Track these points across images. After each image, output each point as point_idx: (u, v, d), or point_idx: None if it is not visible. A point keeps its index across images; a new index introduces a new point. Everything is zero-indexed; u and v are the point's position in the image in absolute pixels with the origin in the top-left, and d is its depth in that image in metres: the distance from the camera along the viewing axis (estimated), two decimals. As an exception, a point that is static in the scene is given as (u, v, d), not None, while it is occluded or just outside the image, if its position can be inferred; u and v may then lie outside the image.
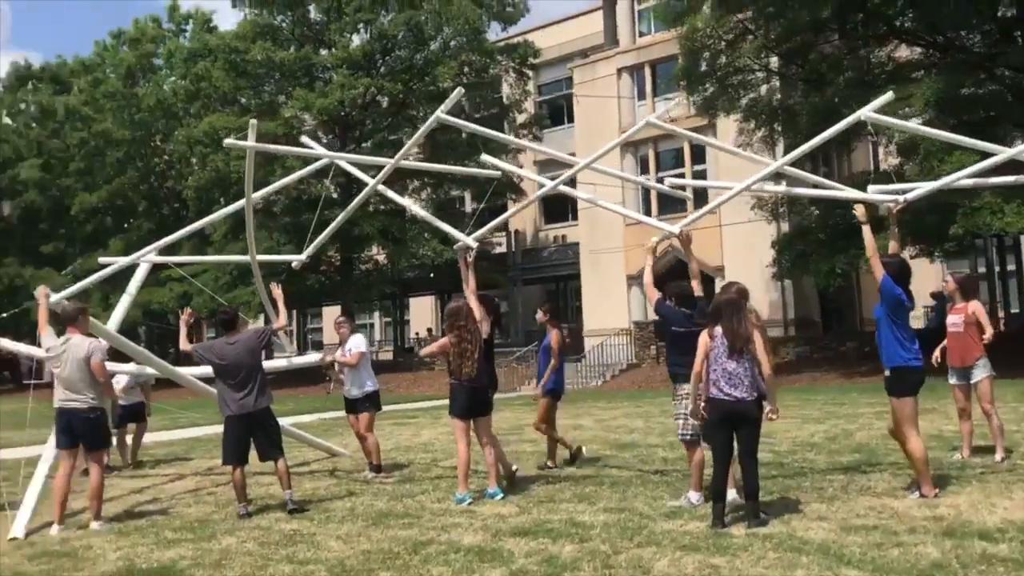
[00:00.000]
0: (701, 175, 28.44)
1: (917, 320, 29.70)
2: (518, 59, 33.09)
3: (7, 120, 43.72)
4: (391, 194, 11.76)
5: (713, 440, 6.71)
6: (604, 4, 32.38)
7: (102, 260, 11.06)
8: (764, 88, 23.61)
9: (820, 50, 22.15)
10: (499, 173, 11.10)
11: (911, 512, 6.56)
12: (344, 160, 11.07)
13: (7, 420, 19.81)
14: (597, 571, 5.44)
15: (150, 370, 10.80)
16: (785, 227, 25.16)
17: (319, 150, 11.29)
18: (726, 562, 5.47)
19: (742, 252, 26.69)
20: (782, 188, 11.56)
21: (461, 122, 10.99)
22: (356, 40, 32.75)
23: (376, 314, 43.41)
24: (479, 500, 7.90)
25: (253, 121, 9.60)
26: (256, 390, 8.13)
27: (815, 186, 10.18)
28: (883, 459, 9.08)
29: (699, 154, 28.75)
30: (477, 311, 8.39)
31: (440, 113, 9.36)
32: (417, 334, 39.25)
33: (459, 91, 9.25)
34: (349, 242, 31.95)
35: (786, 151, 24.08)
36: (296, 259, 11.72)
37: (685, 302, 7.64)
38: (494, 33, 33.43)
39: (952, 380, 8.88)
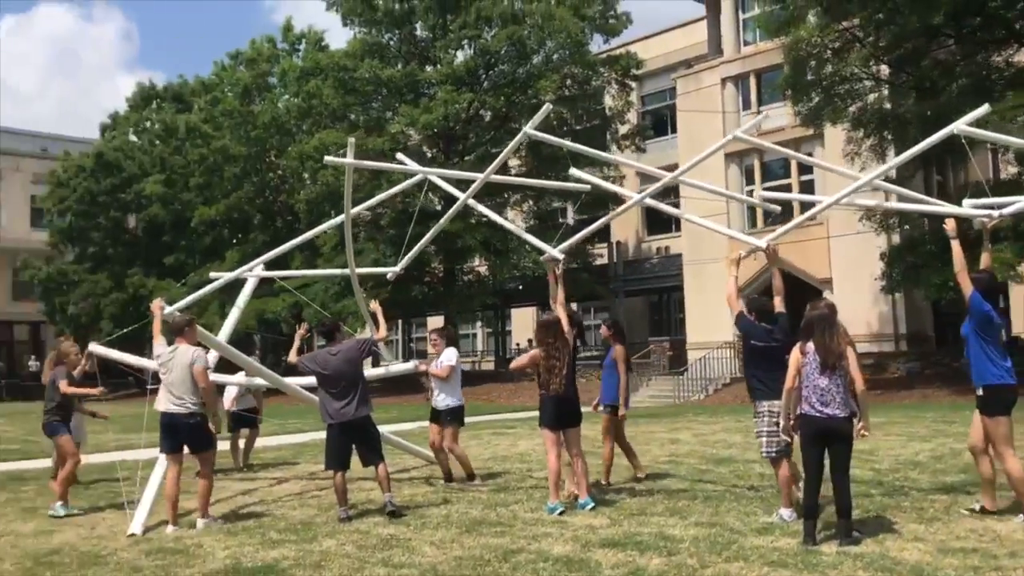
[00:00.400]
0: (808, 185, 27.86)
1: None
2: (620, 70, 33.08)
3: (133, 138, 46.06)
4: (481, 208, 11.98)
5: (804, 457, 6.65)
6: (708, 13, 32.09)
7: (213, 275, 11.63)
8: (872, 97, 22.97)
9: (933, 56, 21.43)
10: (588, 187, 11.17)
11: (1015, 536, 6.37)
12: (436, 175, 11.31)
13: (128, 423, 20.88)
14: (682, 584, 5.49)
15: (258, 380, 11.33)
16: (895, 239, 24.42)
17: (413, 166, 11.58)
18: (814, 580, 5.44)
19: (850, 264, 26.01)
20: (873, 202, 11.27)
21: (549, 137, 11.08)
22: (460, 56, 33.33)
23: (478, 324, 43.92)
24: (571, 510, 8.00)
25: (351, 139, 9.99)
26: (357, 399, 8.43)
27: (905, 199, 9.90)
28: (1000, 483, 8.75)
29: (806, 164, 28.14)
30: (564, 324, 8.53)
31: (528, 129, 9.52)
32: (518, 344, 39.53)
33: (547, 107, 9.39)
34: (452, 254, 32.50)
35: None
36: (391, 271, 12.05)
37: (765, 317, 7.58)
38: (596, 45, 33.54)
39: None
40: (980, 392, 7.06)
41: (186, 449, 8.32)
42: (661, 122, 36.77)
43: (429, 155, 33.80)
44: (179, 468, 8.26)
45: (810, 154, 27.70)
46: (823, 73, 22.08)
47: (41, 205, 48.14)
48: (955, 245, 7.28)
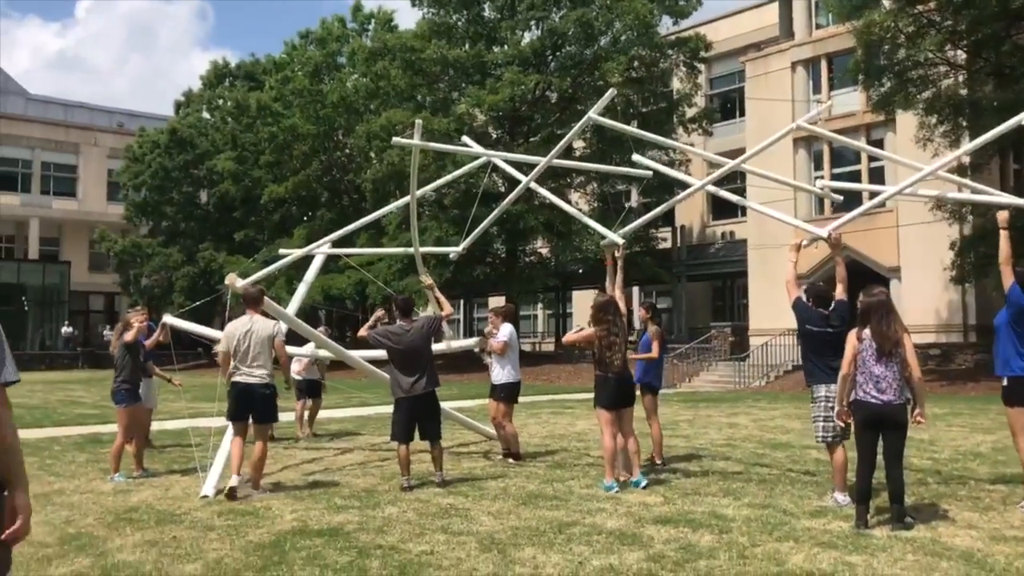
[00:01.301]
0: (878, 172, 27.39)
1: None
2: (689, 53, 32.80)
3: (206, 115, 47.15)
4: (543, 191, 12.09)
5: (858, 443, 6.70)
6: (780, -4, 31.63)
7: (281, 252, 11.99)
8: (947, 83, 22.44)
9: (1013, 41, 20.84)
10: (650, 173, 11.23)
11: (1071, 527, 6.35)
12: (500, 158, 11.47)
13: (199, 392, 21.63)
14: (732, 560, 5.63)
15: (324, 352, 11.70)
16: (967, 229, 23.89)
17: (477, 148, 11.77)
18: (862, 560, 5.53)
19: (920, 253, 25.55)
20: (935, 192, 11.13)
21: (612, 122, 11.15)
22: (527, 37, 33.37)
23: (539, 306, 44.13)
24: (624, 488, 8.17)
25: (419, 121, 10.22)
26: (427, 375, 8.72)
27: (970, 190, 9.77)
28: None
29: (876, 147, 27.55)
30: (623, 307, 8.66)
31: (592, 114, 9.62)
32: (579, 327, 39.64)
33: (611, 92, 9.49)
34: (514, 235, 32.69)
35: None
36: (453, 251, 12.25)
37: (821, 302, 7.62)
38: (665, 27, 33.26)
39: None
40: (1005, 383, 7.13)
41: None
42: (729, 105, 36.42)
43: (494, 136, 33.96)
44: (244, 437, 8.49)
45: (881, 140, 27.27)
46: (896, 58, 21.64)
47: (117, 179, 49.67)
48: (1004, 236, 7.31)
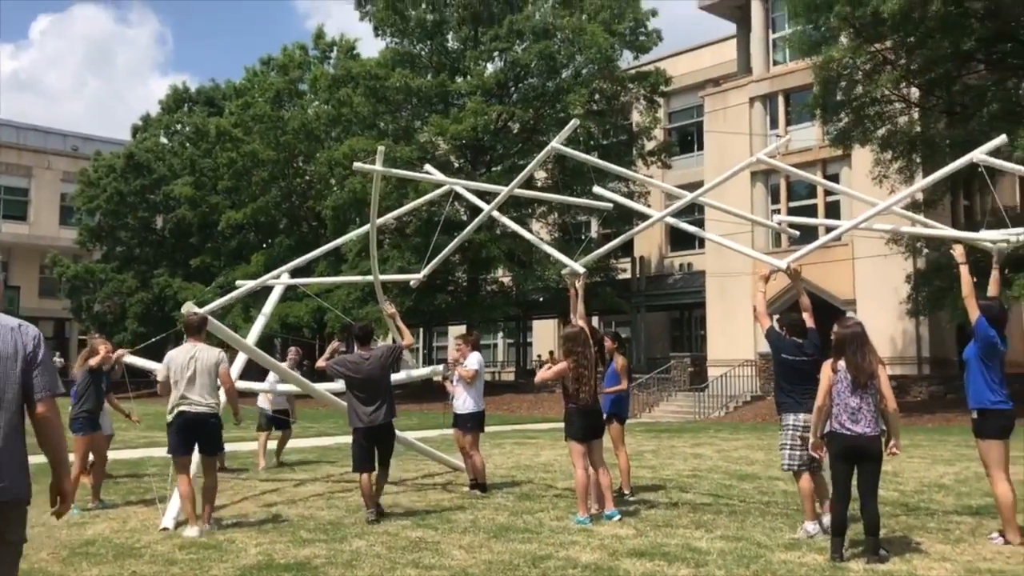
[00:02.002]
0: (834, 206, 27.83)
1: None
2: (649, 87, 33.20)
3: (164, 140, 46.60)
4: (504, 220, 12.09)
5: (833, 475, 6.70)
6: (738, 33, 32.22)
7: (239, 283, 11.72)
8: (902, 120, 22.98)
9: (964, 81, 21.42)
10: (611, 205, 11.36)
11: (1042, 559, 6.39)
12: (462, 187, 11.44)
13: (152, 421, 21.16)
14: (711, 594, 5.56)
15: (282, 386, 11.51)
16: (921, 263, 24.35)
17: (440, 177, 11.72)
18: (842, 595, 5.49)
19: (874, 286, 25.96)
20: (889, 227, 11.36)
21: (575, 152, 11.19)
22: (490, 68, 33.56)
23: (499, 335, 44.03)
24: (597, 520, 8.07)
25: (381, 147, 10.17)
26: (385, 404, 8.61)
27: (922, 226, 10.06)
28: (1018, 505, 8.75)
29: (832, 181, 28.08)
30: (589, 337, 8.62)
31: (556, 143, 9.64)
32: (539, 356, 39.60)
33: (574, 122, 9.55)
34: (477, 264, 32.66)
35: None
36: (414, 278, 12.16)
37: (796, 332, 7.67)
38: (626, 61, 33.67)
39: None
40: (975, 415, 7.20)
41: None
42: (688, 139, 36.88)
43: (456, 165, 34.00)
44: (189, 472, 8.08)
45: (837, 175, 27.76)
46: (853, 94, 22.11)
47: (71, 203, 48.75)
48: (963, 270, 7.46)
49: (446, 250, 11.44)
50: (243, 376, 10.61)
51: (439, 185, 12.00)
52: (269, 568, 6.44)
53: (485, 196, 12.07)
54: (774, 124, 29.65)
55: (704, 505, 9.04)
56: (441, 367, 12.28)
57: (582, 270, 9.41)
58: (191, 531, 7.69)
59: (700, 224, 32.61)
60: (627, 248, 36.91)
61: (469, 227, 11.55)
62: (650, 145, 34.05)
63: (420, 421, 22.32)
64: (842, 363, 6.67)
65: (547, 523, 8.06)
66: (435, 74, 33.60)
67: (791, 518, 8.13)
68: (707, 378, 28.35)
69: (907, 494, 9.57)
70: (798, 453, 7.30)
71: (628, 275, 36.07)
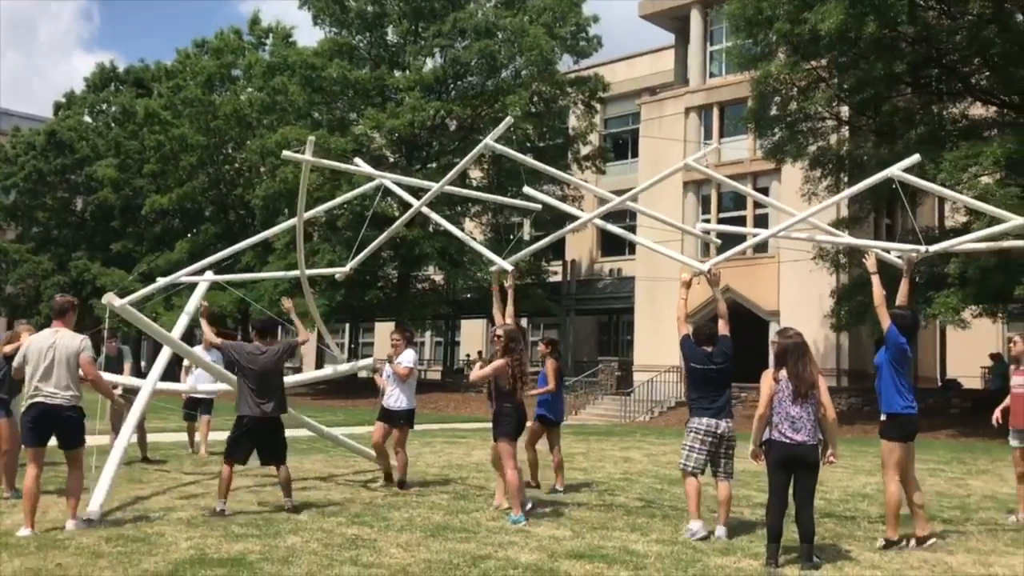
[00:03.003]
0: (763, 218, 28.40)
1: (974, 380, 29.37)
2: (587, 92, 33.45)
3: (88, 119, 45.20)
4: (434, 216, 11.98)
5: (771, 482, 6.81)
6: (676, 43, 32.65)
7: (160, 280, 11.26)
8: (834, 137, 23.61)
9: (893, 103, 22.09)
10: (539, 207, 11.47)
11: (965, 569, 6.60)
12: (393, 181, 11.29)
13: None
14: (653, 597, 5.59)
15: (207, 386, 11.31)
16: (844, 278, 25.02)
17: (369, 170, 11.56)
18: (780, 600, 5.58)
19: (798, 298, 26.56)
20: (804, 235, 11.73)
21: (509, 150, 11.18)
22: (430, 64, 33.39)
23: (428, 334, 43.83)
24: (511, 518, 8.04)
25: (312, 137, 10.04)
26: (276, 399, 8.52)
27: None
28: (937, 515, 9.05)
29: (761, 195, 28.72)
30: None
31: (489, 140, 9.61)
32: (468, 355, 39.55)
33: (508, 120, 9.57)
34: (408, 261, 32.45)
35: (851, 202, 24.13)
36: (340, 271, 12.03)
37: (705, 340, 7.88)
38: (565, 65, 33.86)
39: (1013, 442, 8.85)
40: (883, 418, 7.50)
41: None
42: (623, 145, 37.24)
43: (391, 160, 33.73)
44: (40, 465, 7.56)
45: (767, 188, 28.36)
46: (788, 110, 22.62)
47: (-16, 180, 46.95)
48: (875, 280, 7.77)
49: (373, 244, 11.29)
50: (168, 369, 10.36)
51: (371, 179, 11.83)
52: (202, 563, 6.26)
53: (416, 190, 11.97)
54: (708, 135, 30.13)
55: (638, 508, 9.11)
56: (369, 361, 12.18)
57: (510, 267, 9.47)
58: (24, 531, 7.14)
59: (632, 231, 32.99)
60: (558, 251, 37.13)
61: (398, 222, 11.44)
62: (585, 150, 34.31)
63: (347, 417, 22.05)
64: (783, 373, 6.79)
65: (484, 523, 8.02)
66: (373, 67, 33.32)
67: (726, 525, 8.24)
68: (633, 383, 28.67)
69: (833, 503, 9.79)
70: (695, 455, 7.62)
71: (559, 278, 36.27)
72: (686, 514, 7.93)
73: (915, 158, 8.92)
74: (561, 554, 6.78)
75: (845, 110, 23.56)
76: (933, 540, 7.34)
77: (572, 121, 35.08)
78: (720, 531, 7.55)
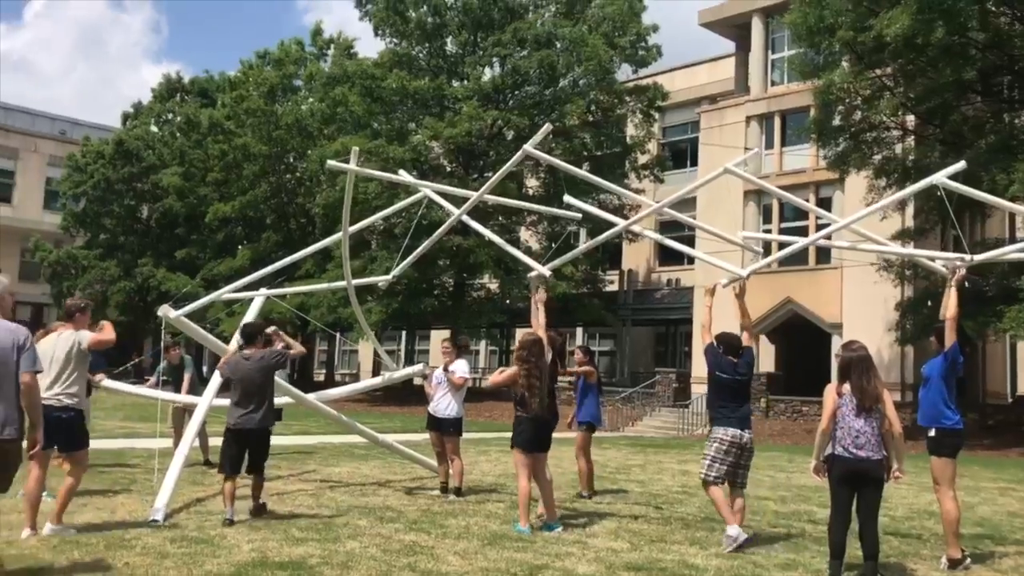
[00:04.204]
0: (824, 228, 27.93)
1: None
2: (646, 101, 33.29)
3: (154, 128, 46.31)
4: (474, 224, 11.88)
5: (833, 497, 6.67)
6: (737, 52, 32.36)
7: (225, 296, 11.49)
8: (899, 147, 23.13)
9: (962, 111, 21.58)
10: (579, 215, 11.45)
11: (1039, 591, 6.39)
12: (435, 192, 11.27)
13: (131, 412, 21.02)
14: (714, 613, 5.51)
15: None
16: (909, 291, 24.48)
17: (411, 180, 11.62)
18: (845, 619, 5.46)
19: (862, 312, 26.05)
20: (845, 244, 11.53)
21: (547, 156, 11.30)
22: (488, 73, 33.55)
23: (483, 342, 43.92)
24: (537, 532, 7.98)
25: (356, 148, 10.12)
26: (260, 410, 8.19)
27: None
28: (1008, 535, 8.81)
29: (824, 205, 28.28)
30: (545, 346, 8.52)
31: (528, 147, 9.60)
32: (502, 368, 39.55)
33: (547, 127, 9.69)
34: (464, 269, 32.59)
35: (916, 213, 23.62)
36: (383, 280, 12.16)
37: (731, 351, 7.84)
38: (624, 73, 33.76)
39: None
40: (932, 433, 7.34)
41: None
42: (682, 154, 36.96)
43: (449, 169, 33.97)
44: (44, 467, 7.35)
45: (829, 199, 27.92)
46: (852, 119, 22.23)
47: (56, 188, 48.36)
48: (953, 293, 7.51)
49: (414, 254, 11.32)
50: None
51: (419, 203, 11.81)
52: (264, 565, 6.34)
53: (458, 200, 11.92)
54: (769, 144, 29.79)
55: (697, 522, 9.00)
56: (420, 367, 12.24)
57: (548, 272, 9.46)
58: (25, 532, 7.06)
59: (691, 240, 32.80)
60: (615, 261, 36.99)
61: (438, 232, 11.36)
62: (643, 159, 34.12)
63: (403, 424, 22.19)
64: (847, 387, 6.65)
65: (541, 533, 7.99)
66: (432, 77, 33.56)
67: (785, 540, 8.11)
68: (691, 395, 28.37)
69: (898, 520, 9.58)
70: (717, 465, 7.58)
71: (615, 288, 36.09)
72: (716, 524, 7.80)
73: (961, 165, 8.64)
74: (619, 566, 6.73)
75: (911, 119, 23.07)
76: (968, 561, 7.11)
77: (630, 130, 34.93)
78: (735, 530, 7.50)
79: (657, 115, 34.74)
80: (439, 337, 38.98)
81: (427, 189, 11.29)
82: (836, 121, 22.58)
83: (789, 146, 28.93)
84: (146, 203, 45.97)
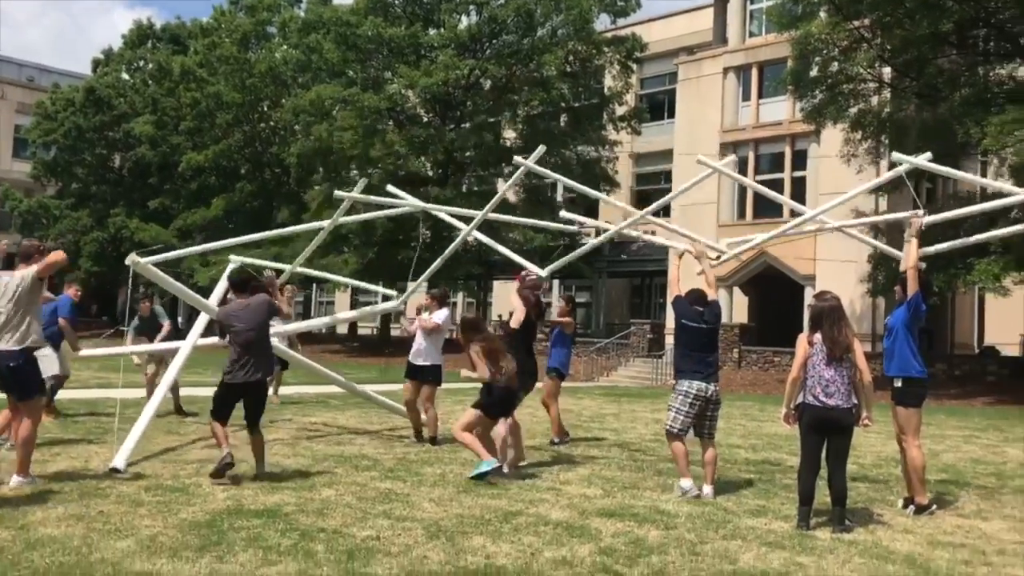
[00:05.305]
0: (800, 182, 28.04)
1: (1013, 348, 28.97)
2: (624, 52, 32.99)
3: (126, 76, 45.45)
4: (481, 236, 12.18)
5: (803, 444, 6.79)
6: (715, 2, 32.07)
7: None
8: (875, 99, 23.13)
9: (937, 64, 21.58)
10: (575, 228, 11.83)
11: (1000, 535, 6.56)
12: (433, 210, 11.97)
13: (106, 363, 20.90)
14: (684, 557, 5.62)
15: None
16: (882, 244, 24.67)
17: (409, 199, 11.90)
18: (812, 562, 5.59)
19: (836, 263, 26.25)
20: (813, 228, 11.80)
21: (543, 170, 11.94)
22: (465, 21, 33.11)
23: (460, 294, 43.94)
24: (538, 477, 8.11)
25: (363, 180, 10.52)
26: (259, 361, 7.80)
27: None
28: (971, 481, 9.01)
29: (799, 160, 28.37)
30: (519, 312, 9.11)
31: (528, 163, 10.22)
32: (500, 316, 39.62)
33: (540, 149, 10.46)
34: (441, 221, 32.41)
35: (891, 165, 23.72)
36: (390, 306, 12.59)
37: (698, 301, 8.04)
38: (601, 24, 33.41)
39: None
40: (899, 384, 7.42)
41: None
42: (659, 106, 36.79)
43: (425, 119, 33.66)
44: (15, 415, 7.27)
45: (805, 151, 27.99)
46: (829, 71, 22.19)
47: (25, 136, 47.48)
48: (913, 244, 7.64)
49: (425, 274, 12.50)
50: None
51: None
52: (239, 513, 6.37)
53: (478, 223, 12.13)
54: (747, 96, 29.70)
55: (669, 469, 9.08)
56: (396, 303, 12.50)
57: (545, 274, 10.09)
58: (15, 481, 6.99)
59: (667, 193, 32.65)
60: (592, 213, 36.93)
61: (448, 250, 11.64)
62: (621, 110, 33.94)
63: (381, 375, 22.25)
64: (818, 336, 6.74)
65: (515, 480, 8.08)
66: (408, 24, 33.07)
67: (755, 485, 8.27)
68: (665, 346, 28.60)
69: (866, 467, 9.76)
70: (681, 418, 7.70)
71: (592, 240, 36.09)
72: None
73: (927, 155, 8.79)
74: (592, 512, 6.83)
75: (887, 71, 23.06)
76: (934, 507, 7.27)
77: (608, 81, 34.67)
78: (707, 490, 7.60)
79: (635, 66, 34.48)
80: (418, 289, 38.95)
81: (420, 203, 11.79)
82: (813, 73, 22.53)
83: (766, 98, 28.86)
84: (118, 152, 45.29)
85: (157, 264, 9.52)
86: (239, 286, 8.20)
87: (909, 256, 7.62)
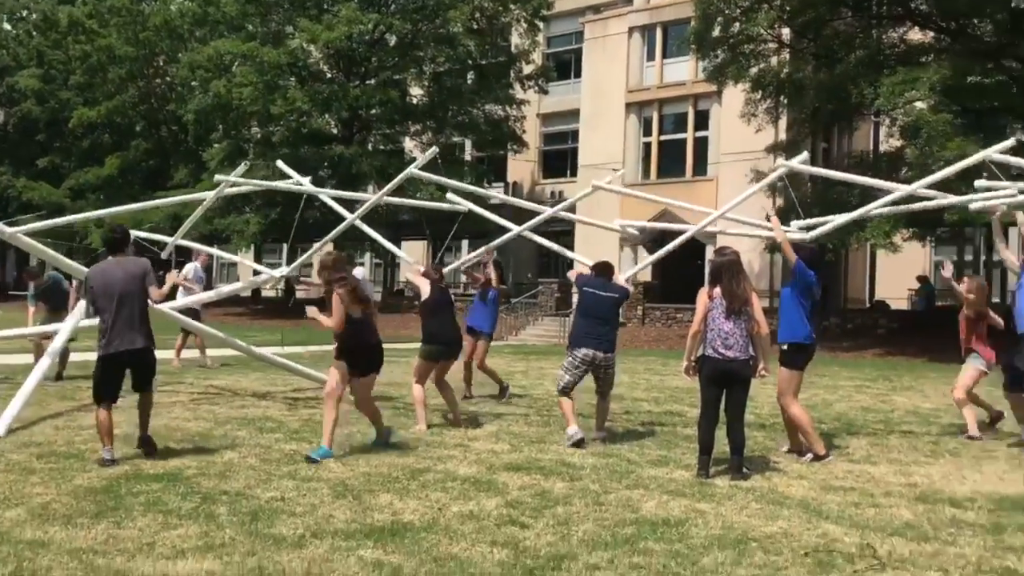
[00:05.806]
0: (702, 141, 28.54)
1: (902, 302, 30.25)
2: (531, 9, 32.78)
3: (7, 26, 43.11)
4: (373, 233, 13.09)
5: (703, 396, 6.96)
6: (621, -40, 32.14)
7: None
8: (775, 60, 23.63)
9: (834, 26, 22.14)
10: (465, 209, 12.05)
11: (887, 478, 6.88)
12: (322, 193, 12.03)
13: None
14: (589, 507, 5.73)
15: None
16: (780, 201, 25.34)
17: (298, 178, 12.07)
18: (711, 508, 5.77)
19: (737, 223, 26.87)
20: (716, 229, 12.24)
21: (435, 176, 12.54)
22: (368, -27, 32.38)
23: (367, 255, 43.46)
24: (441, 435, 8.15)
25: (244, 164, 10.56)
26: (140, 326, 6.97)
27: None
28: (861, 429, 9.41)
29: (702, 120, 28.84)
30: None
31: (413, 169, 10.92)
32: (406, 280, 39.41)
33: (433, 150, 10.95)
34: (347, 179, 31.90)
35: (789, 125, 24.37)
36: (277, 273, 12.61)
37: (603, 273, 8.59)
38: (508, -21, 33.10)
39: None
40: (785, 347, 7.70)
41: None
42: (566, 65, 36.79)
43: (329, 75, 32.93)
44: None
45: (707, 111, 28.46)
46: (730, 31, 22.53)
47: (-102, 89, 44.67)
48: (775, 221, 8.30)
49: (314, 248, 12.23)
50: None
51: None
52: (137, 478, 6.21)
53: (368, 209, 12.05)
54: (651, 56, 29.95)
55: (574, 424, 9.25)
56: (280, 272, 12.62)
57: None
58: None
59: (574, 153, 33.17)
60: (500, 174, 36.93)
61: (332, 232, 12.23)
62: (528, 69, 33.83)
63: (285, 337, 21.90)
64: (717, 290, 6.90)
65: (423, 438, 8.09)
66: (310, -24, 32.17)
67: (657, 436, 8.48)
68: (572, 304, 28.89)
69: (763, 417, 10.09)
70: (567, 378, 8.19)
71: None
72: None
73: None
74: (499, 467, 6.89)
75: (787, 32, 23.56)
76: (830, 457, 7.54)
77: (515, 39, 34.47)
78: (597, 434, 8.29)
79: (542, 24, 34.35)
80: (321, 251, 38.38)
81: (308, 186, 12.18)
82: (715, 33, 22.85)
83: (670, 58, 29.15)
84: (1, 107, 43.03)
85: (43, 229, 9.17)
86: (116, 245, 7.25)
87: (776, 232, 8.20)
